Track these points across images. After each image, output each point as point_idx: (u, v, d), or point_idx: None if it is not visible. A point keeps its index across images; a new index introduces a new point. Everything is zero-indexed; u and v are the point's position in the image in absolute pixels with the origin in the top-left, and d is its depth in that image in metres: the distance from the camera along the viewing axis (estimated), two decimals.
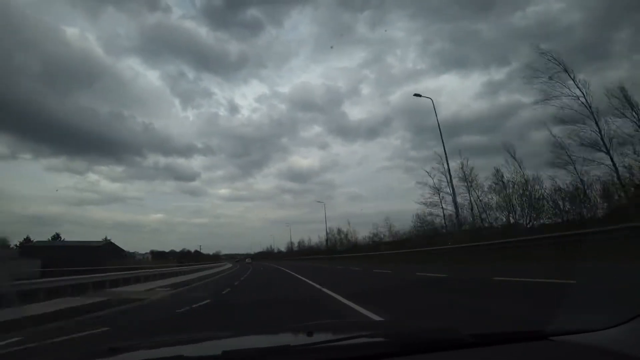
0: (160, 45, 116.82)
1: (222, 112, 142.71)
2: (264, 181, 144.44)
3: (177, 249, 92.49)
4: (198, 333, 4.81)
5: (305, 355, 1.16)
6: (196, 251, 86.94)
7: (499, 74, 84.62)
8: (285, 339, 1.68)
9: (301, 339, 1.46)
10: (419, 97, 24.16)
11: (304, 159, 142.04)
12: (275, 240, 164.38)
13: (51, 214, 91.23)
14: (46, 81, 75.41)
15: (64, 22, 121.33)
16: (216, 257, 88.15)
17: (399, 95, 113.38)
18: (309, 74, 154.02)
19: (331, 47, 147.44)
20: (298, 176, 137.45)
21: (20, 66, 64.73)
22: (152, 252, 60.34)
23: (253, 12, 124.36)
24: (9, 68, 60.69)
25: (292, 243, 71.42)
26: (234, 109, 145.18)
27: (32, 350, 4.60)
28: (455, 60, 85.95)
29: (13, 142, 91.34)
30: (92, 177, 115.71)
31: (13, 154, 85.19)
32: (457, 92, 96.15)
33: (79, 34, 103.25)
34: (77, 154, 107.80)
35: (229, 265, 51.32)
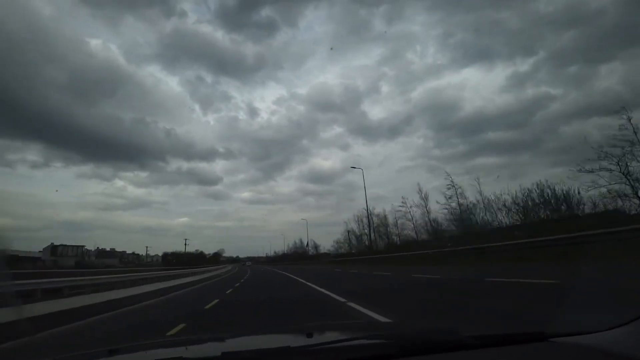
0: (179, 51, 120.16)
1: (242, 115, 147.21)
2: (286, 184, 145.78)
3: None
4: (198, 334, 4.80)
5: (304, 356, 1.16)
6: (201, 253, 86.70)
7: (524, 65, 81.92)
8: (285, 340, 1.68)
9: (301, 340, 1.46)
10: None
11: (325, 161, 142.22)
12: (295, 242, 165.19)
13: (82, 219, 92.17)
14: (74, 92, 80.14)
15: (87, 34, 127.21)
16: (216, 260, 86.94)
17: (419, 92, 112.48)
18: (327, 74, 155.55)
19: (331, 49, 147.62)
20: (320, 178, 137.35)
21: (50, 79, 69.54)
22: (165, 255, 60.89)
23: (267, 13, 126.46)
24: (40, 81, 64.98)
25: (307, 245, 68.21)
26: (253, 112, 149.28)
27: (31, 350, 4.59)
28: (477, 53, 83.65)
29: (46, 151, 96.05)
30: (118, 183, 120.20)
31: (46, 162, 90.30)
32: (481, 86, 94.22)
33: (102, 45, 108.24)
34: (104, 161, 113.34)
35: (227, 269, 49.52)
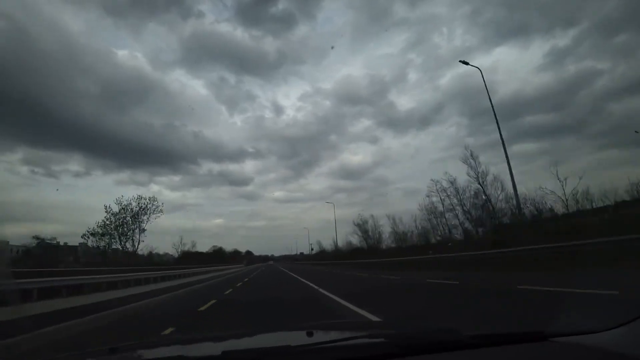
0: (200, 53, 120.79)
1: (268, 114, 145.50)
2: (316, 181, 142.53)
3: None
4: (198, 333, 4.81)
5: (305, 355, 1.16)
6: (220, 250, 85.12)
7: (564, 39, 72.46)
8: (285, 339, 1.68)
9: (301, 339, 1.46)
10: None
11: (355, 156, 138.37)
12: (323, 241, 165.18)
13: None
14: (106, 102, 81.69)
15: (114, 45, 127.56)
16: (233, 259, 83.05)
17: (449, 78, 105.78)
18: (350, 66, 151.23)
19: (332, 48, 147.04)
20: (350, 174, 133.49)
21: (84, 91, 71.87)
22: (183, 252, 61.56)
23: (284, 5, 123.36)
24: (74, 94, 68.77)
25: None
26: (278, 110, 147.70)
27: (31, 350, 4.60)
28: (510, 29, 74.51)
29: (86, 161, 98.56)
30: (154, 187, 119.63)
31: (87, 171, 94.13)
32: (515, 66, 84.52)
33: (129, 54, 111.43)
34: (139, 167, 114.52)
35: (234, 270, 45.81)
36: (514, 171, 18.66)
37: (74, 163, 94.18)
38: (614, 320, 1.12)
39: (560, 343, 1.15)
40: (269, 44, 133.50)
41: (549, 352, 1.14)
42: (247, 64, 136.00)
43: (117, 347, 1.41)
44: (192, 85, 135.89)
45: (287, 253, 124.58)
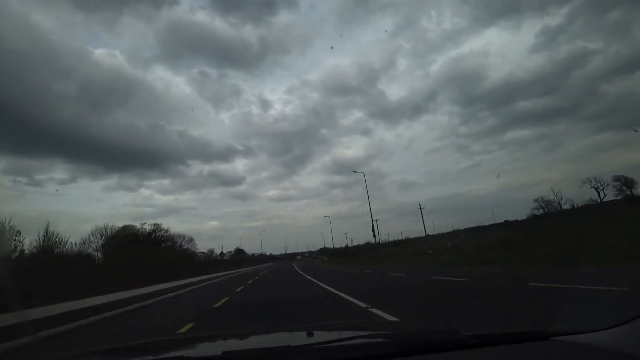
0: (179, 46, 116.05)
1: (255, 110, 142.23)
2: (310, 178, 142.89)
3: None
4: (198, 333, 4.81)
5: (305, 355, 1.16)
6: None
7: (557, 17, 75.11)
8: (285, 339, 1.69)
9: (301, 339, 1.46)
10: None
11: (348, 149, 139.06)
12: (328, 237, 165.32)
13: None
14: (86, 104, 78.79)
15: (89, 44, 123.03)
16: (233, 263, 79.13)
17: (440, 64, 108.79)
18: (337, 55, 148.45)
19: (331, 48, 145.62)
20: (344, 168, 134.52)
21: (62, 94, 68.90)
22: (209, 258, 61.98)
23: None
24: (52, 96, 65.48)
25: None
26: (265, 104, 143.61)
27: (31, 350, 4.60)
28: (501, 7, 75.07)
29: (70, 167, 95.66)
30: (145, 192, 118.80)
31: (73, 177, 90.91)
32: (507, 49, 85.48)
33: (107, 53, 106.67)
34: (127, 171, 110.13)
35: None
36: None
37: (59, 170, 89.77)
38: (613, 319, 1.12)
39: (560, 342, 1.15)
40: (250, 33, 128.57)
41: (549, 351, 1.14)
42: (229, 55, 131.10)
43: (117, 347, 1.41)
44: (175, 83, 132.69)
45: (291, 252, 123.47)
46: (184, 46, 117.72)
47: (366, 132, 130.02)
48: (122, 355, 1.40)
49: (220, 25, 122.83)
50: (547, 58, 65.02)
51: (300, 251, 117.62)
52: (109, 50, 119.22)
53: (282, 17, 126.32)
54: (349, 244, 65.15)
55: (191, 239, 48.03)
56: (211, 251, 68.62)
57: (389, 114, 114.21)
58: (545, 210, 47.01)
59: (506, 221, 54.72)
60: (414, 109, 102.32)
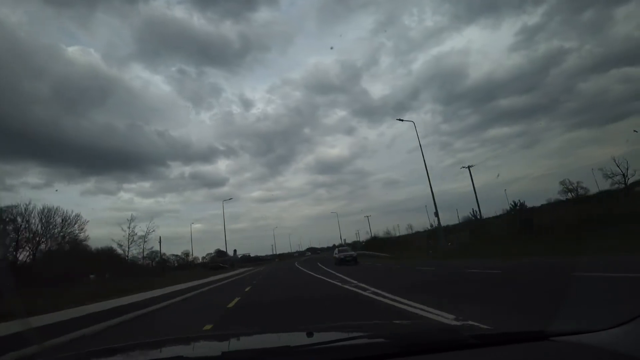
0: (156, 43, 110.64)
1: (236, 109, 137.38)
2: (295, 178, 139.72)
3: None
4: (198, 333, 4.81)
5: (305, 355, 1.16)
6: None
7: (534, 16, 75.77)
8: (285, 339, 1.68)
9: (301, 339, 1.46)
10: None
11: (332, 149, 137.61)
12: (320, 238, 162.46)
13: (100, 236, 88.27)
14: (61, 105, 74.19)
15: (62, 41, 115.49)
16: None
17: (421, 62, 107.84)
18: (319, 53, 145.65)
19: (331, 48, 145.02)
20: (329, 167, 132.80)
21: (33, 94, 63.01)
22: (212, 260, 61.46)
23: None
24: (24, 97, 58.55)
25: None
26: (246, 104, 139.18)
27: (32, 349, 4.59)
28: (481, 4, 75.80)
29: (45, 170, 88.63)
30: (125, 195, 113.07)
31: (48, 182, 79.85)
32: (488, 47, 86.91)
33: (81, 50, 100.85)
34: (104, 174, 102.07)
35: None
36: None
37: (32, 175, 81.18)
38: (614, 319, 1.12)
39: (560, 342, 1.15)
40: (229, 29, 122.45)
41: (550, 351, 1.13)
42: (208, 53, 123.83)
43: (117, 347, 1.41)
44: (154, 82, 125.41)
45: (280, 252, 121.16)
46: (161, 43, 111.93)
47: (350, 131, 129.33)
48: (122, 355, 1.40)
49: (198, 21, 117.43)
50: (525, 56, 67.85)
51: (293, 251, 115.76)
52: (83, 47, 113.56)
53: (262, 14, 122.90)
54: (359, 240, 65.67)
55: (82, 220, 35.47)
56: (186, 254, 68.30)
57: (372, 112, 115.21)
58: (574, 194, 38.14)
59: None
60: (397, 107, 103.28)
